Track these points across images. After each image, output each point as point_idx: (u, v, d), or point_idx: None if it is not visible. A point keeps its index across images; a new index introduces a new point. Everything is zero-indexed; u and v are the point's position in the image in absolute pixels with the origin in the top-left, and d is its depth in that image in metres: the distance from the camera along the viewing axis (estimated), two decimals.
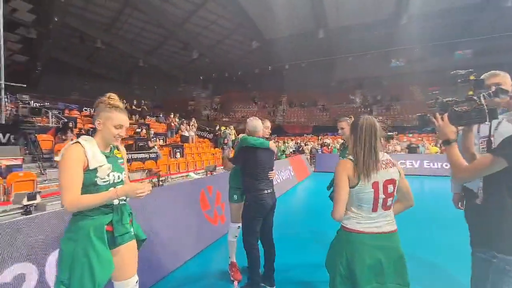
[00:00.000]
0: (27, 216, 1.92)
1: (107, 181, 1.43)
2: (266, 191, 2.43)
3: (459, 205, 2.24)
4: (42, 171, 5.53)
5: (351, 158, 1.42)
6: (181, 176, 8.50)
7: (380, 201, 1.37)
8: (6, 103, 7.26)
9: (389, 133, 15.39)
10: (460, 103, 1.59)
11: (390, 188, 1.39)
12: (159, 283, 2.56)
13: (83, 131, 7.87)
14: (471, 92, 1.60)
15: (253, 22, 19.58)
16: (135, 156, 7.62)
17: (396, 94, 26.30)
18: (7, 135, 5.52)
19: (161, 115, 16.93)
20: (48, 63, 21.97)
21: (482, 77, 1.66)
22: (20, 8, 14.27)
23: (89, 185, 1.37)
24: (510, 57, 18.57)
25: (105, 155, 1.46)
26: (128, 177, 1.75)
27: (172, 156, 9.39)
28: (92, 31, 19.49)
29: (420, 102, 24.08)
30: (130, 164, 7.08)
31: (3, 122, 6.39)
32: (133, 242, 1.58)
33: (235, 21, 19.80)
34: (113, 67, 27.48)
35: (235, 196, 2.72)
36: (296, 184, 8.91)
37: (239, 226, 2.75)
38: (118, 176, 1.50)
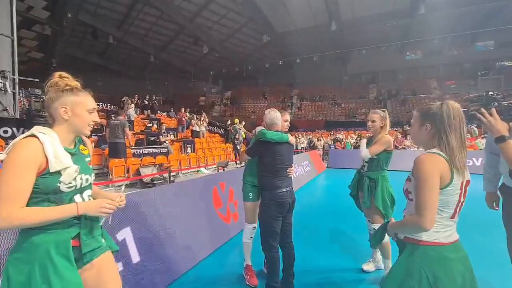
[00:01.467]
0: None
1: (73, 186, 1.11)
2: (285, 189, 2.24)
3: (494, 205, 2.05)
4: None
5: (439, 152, 1.14)
6: (192, 172, 8.43)
7: (460, 205, 1.17)
8: (21, 97, 7.34)
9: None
10: (508, 97, 1.45)
11: (467, 190, 1.18)
12: (171, 285, 2.43)
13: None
14: None
15: (264, 15, 19.19)
16: (146, 151, 7.59)
17: (412, 88, 25.42)
18: (21, 129, 5.56)
19: (172, 110, 16.97)
20: (63, 59, 22.40)
21: None
22: (35, 5, 14.51)
23: (49, 192, 1.05)
24: None
25: (70, 153, 1.13)
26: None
27: (183, 151, 9.33)
28: (105, 27, 19.65)
29: (437, 96, 23.16)
30: (141, 160, 7.05)
31: (18, 116, 6.46)
32: (109, 254, 1.27)
33: (245, 15, 19.47)
34: (126, 63, 27.80)
35: (251, 195, 2.54)
36: (314, 177, 8.69)
37: (254, 227, 2.58)
38: (87, 179, 1.19)
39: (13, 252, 1.04)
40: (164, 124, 10.56)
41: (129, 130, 6.97)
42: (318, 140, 16.03)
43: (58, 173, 1.06)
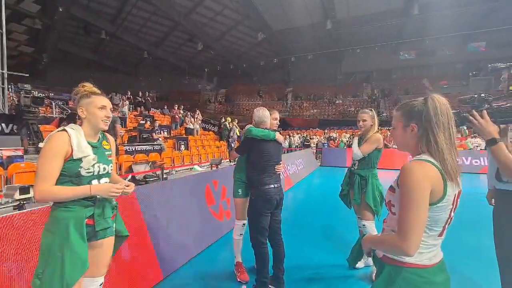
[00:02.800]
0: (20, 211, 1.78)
1: (91, 172, 1.37)
2: (272, 186, 2.27)
3: (493, 202, 2.09)
4: None
5: (430, 159, 0.95)
6: (186, 169, 8.39)
7: (449, 221, 0.99)
8: (10, 93, 7.19)
9: None
10: (498, 99, 1.47)
11: (458, 202, 1.00)
12: (164, 281, 2.44)
13: None
14: None
15: (259, 13, 19.12)
16: (139, 148, 7.52)
17: (405, 88, 25.68)
18: (10, 125, 5.45)
19: (165, 107, 16.81)
20: (54, 54, 21.92)
21: None
22: None
23: (72, 175, 1.32)
24: None
25: (92, 145, 1.40)
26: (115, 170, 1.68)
27: (176, 149, 9.27)
28: (98, 22, 19.28)
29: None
30: (134, 157, 6.99)
31: (7, 112, 6.33)
32: (112, 240, 1.51)
33: (241, 12, 19.36)
34: (119, 59, 27.35)
35: (240, 191, 2.56)
36: (305, 177, 8.74)
37: (244, 224, 2.60)
38: (104, 167, 1.44)
39: (46, 224, 1.34)
40: (157, 121, 10.48)
41: (121, 127, 6.90)
42: (311, 138, 16.12)
43: (80, 160, 1.32)
